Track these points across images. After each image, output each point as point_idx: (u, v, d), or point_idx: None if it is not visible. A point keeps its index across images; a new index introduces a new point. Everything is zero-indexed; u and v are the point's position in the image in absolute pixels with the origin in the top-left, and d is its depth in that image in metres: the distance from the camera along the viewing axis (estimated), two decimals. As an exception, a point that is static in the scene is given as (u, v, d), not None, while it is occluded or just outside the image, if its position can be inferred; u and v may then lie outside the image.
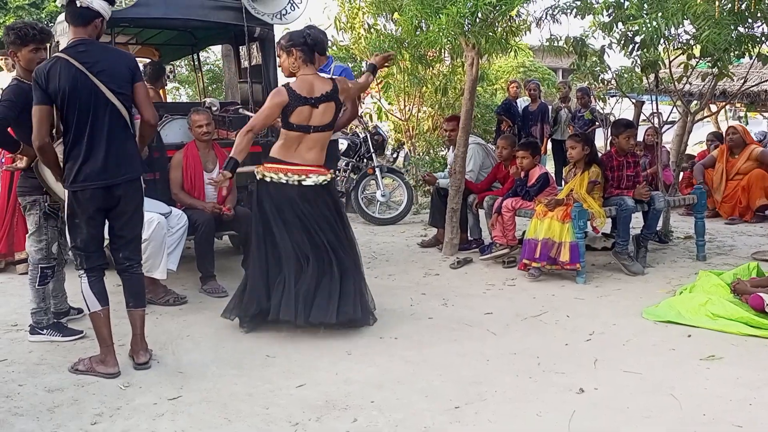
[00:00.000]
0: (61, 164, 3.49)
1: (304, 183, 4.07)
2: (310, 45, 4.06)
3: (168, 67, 7.78)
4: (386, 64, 4.69)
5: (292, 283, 3.99)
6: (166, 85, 8.25)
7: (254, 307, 4.06)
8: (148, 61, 7.19)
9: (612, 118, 7.87)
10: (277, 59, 4.19)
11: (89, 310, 3.55)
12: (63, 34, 5.27)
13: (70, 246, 3.59)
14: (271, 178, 4.06)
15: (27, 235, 4.05)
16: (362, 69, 9.97)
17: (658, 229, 6.10)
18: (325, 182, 4.14)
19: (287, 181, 4.06)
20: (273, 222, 4.08)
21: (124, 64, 3.50)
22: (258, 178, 4.12)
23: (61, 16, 5.46)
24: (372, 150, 8.36)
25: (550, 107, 9.76)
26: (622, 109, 7.86)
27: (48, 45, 5.95)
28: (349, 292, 4.07)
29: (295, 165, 4.06)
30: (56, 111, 3.41)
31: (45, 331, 4.07)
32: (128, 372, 3.57)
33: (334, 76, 4.40)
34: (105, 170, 3.42)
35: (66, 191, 3.48)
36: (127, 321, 3.68)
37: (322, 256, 4.07)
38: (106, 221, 3.58)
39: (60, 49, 3.66)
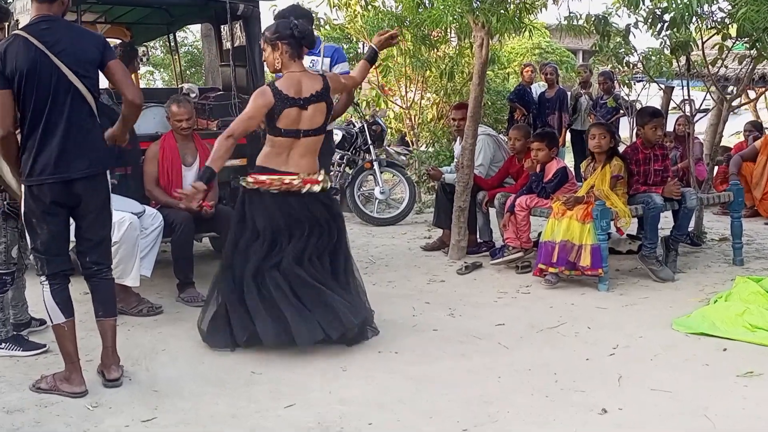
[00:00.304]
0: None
1: (302, 191, 4.08)
2: (298, 38, 4.03)
3: (141, 49, 7.76)
4: (391, 42, 4.62)
5: (284, 302, 3.98)
6: (139, 68, 8.25)
7: (244, 334, 4.02)
8: (118, 42, 7.19)
9: (638, 106, 7.87)
10: (262, 53, 4.17)
11: (52, 322, 3.55)
12: (24, 11, 5.26)
13: (30, 247, 3.58)
14: (262, 187, 4.05)
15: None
16: (358, 51, 9.99)
17: (690, 230, 6.10)
18: (321, 190, 4.16)
19: (279, 190, 4.05)
20: (262, 235, 4.06)
21: (92, 44, 3.48)
22: (246, 187, 4.09)
23: (21, -8, 5.46)
24: (370, 141, 8.36)
25: (568, 94, 9.76)
26: (649, 95, 7.85)
27: (7, 24, 5.96)
28: (344, 304, 4.08)
29: (290, 174, 4.05)
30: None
31: (3, 344, 4.06)
32: (97, 390, 3.56)
33: (324, 72, 4.38)
34: (63, 163, 3.39)
35: (23, 187, 3.47)
36: (96, 334, 3.68)
37: (314, 269, 4.09)
38: (72, 221, 3.58)
39: (18, 25, 3.65)
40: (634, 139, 6.46)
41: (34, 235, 3.50)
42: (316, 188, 4.12)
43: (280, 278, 4.01)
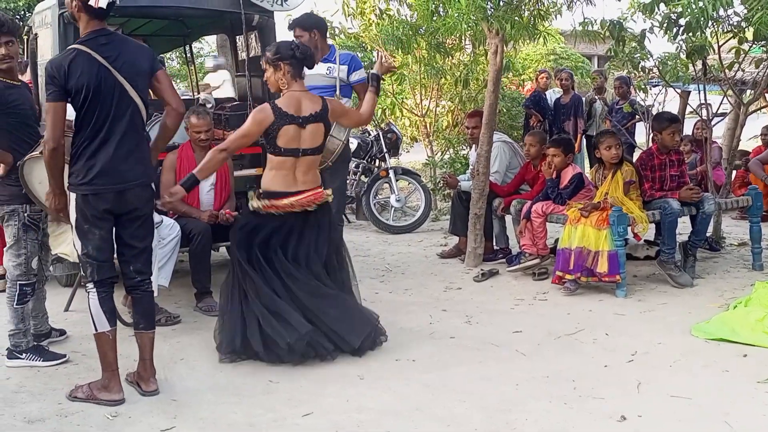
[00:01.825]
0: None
1: (309, 209, 4.15)
2: (299, 59, 4.10)
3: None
4: (391, 70, 4.84)
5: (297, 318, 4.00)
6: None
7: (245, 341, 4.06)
8: None
9: (654, 111, 7.84)
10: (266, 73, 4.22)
11: (96, 330, 3.57)
12: (43, 25, 5.33)
13: (80, 254, 3.60)
14: (270, 211, 4.11)
15: (5, 249, 4.09)
16: (372, 60, 10.00)
17: (708, 235, 6.06)
18: (324, 203, 4.23)
19: (287, 211, 4.12)
20: (262, 255, 4.11)
21: (145, 57, 3.59)
22: (254, 208, 4.14)
23: (40, 5, 5.54)
24: (385, 150, 8.38)
25: (584, 99, 9.74)
26: (665, 100, 7.82)
27: (26, 38, 6.04)
28: (351, 315, 4.13)
29: (299, 194, 4.10)
30: (72, 108, 3.47)
31: (24, 355, 4.10)
32: (116, 400, 3.59)
33: (321, 80, 4.42)
34: (119, 172, 3.49)
35: (73, 195, 3.52)
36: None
37: (315, 282, 4.13)
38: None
39: (51, 39, 3.66)
40: (650, 144, 6.43)
41: (86, 241, 3.55)
42: (322, 200, 4.20)
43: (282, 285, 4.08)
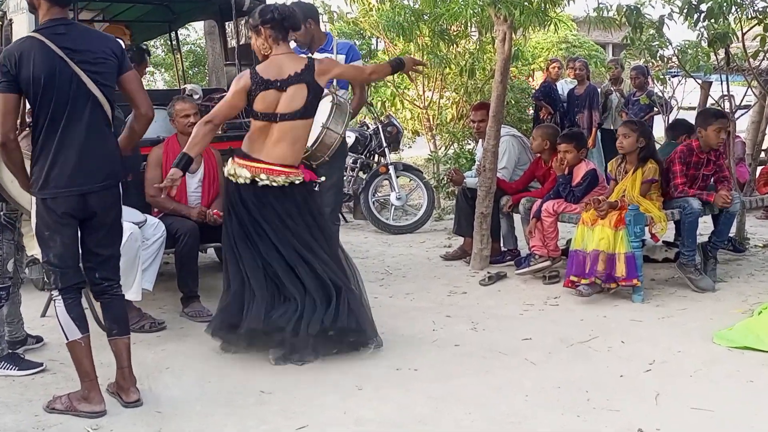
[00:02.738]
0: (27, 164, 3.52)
1: (263, 184, 4.18)
2: (278, 20, 4.18)
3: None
4: (415, 67, 4.85)
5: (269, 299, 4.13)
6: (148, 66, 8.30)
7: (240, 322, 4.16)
8: (126, 43, 7.26)
9: (674, 102, 7.83)
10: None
11: (67, 339, 3.56)
12: (17, 10, 5.34)
13: (42, 261, 3.62)
14: (234, 176, 4.23)
15: (-23, 251, 4.08)
16: (371, 47, 10.01)
17: (730, 235, 6.07)
18: (295, 183, 4.25)
19: (247, 181, 4.19)
20: (233, 228, 4.24)
21: (110, 51, 3.53)
22: (225, 175, 4.30)
23: (15, -10, 5.54)
24: (385, 144, 8.38)
25: (599, 90, 9.73)
26: (685, 91, 7.82)
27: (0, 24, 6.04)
28: (336, 305, 4.15)
29: (259, 162, 4.18)
30: (24, 102, 3.45)
31: (-2, 363, 4.10)
32: (99, 412, 3.59)
33: (318, 57, 4.45)
34: (80, 174, 3.45)
35: (33, 198, 3.52)
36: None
37: (294, 272, 4.18)
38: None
39: (26, 25, 3.66)
40: (664, 138, 6.43)
41: (46, 248, 3.54)
42: (291, 180, 4.21)
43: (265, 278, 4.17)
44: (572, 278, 5.23)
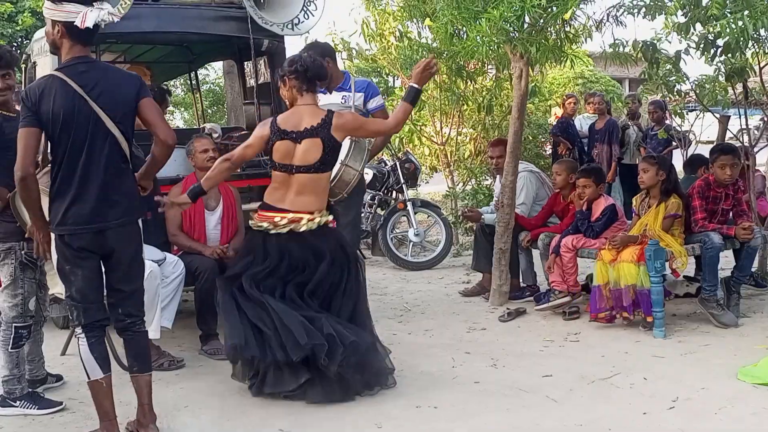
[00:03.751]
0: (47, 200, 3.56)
1: (295, 230, 4.21)
2: (302, 71, 4.24)
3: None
4: (431, 72, 4.46)
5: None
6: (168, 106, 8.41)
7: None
8: (147, 84, 7.36)
9: (692, 137, 7.82)
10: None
11: (89, 378, 3.58)
12: (41, 53, 5.44)
13: (65, 296, 3.64)
14: (260, 227, 4.27)
15: (0, 289, 4.12)
16: (388, 84, 10.07)
17: (753, 270, 6.01)
18: (320, 226, 4.26)
19: (276, 230, 4.21)
20: (251, 280, 4.21)
21: (129, 86, 3.57)
22: (252, 227, 4.34)
23: (39, 33, 5.65)
24: (402, 180, 8.41)
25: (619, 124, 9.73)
26: (703, 126, 7.82)
27: (24, 67, 6.16)
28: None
29: (283, 212, 4.22)
30: (44, 138, 3.50)
31: (18, 402, 4.11)
32: (116, 451, 3.59)
33: (336, 110, 4.47)
34: (97, 212, 3.48)
35: (53, 235, 3.56)
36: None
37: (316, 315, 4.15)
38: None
39: (50, 67, 3.73)
40: (683, 173, 6.41)
41: (68, 283, 3.57)
42: (305, 226, 4.21)
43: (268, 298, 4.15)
44: (602, 315, 5.24)
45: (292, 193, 4.23)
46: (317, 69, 4.29)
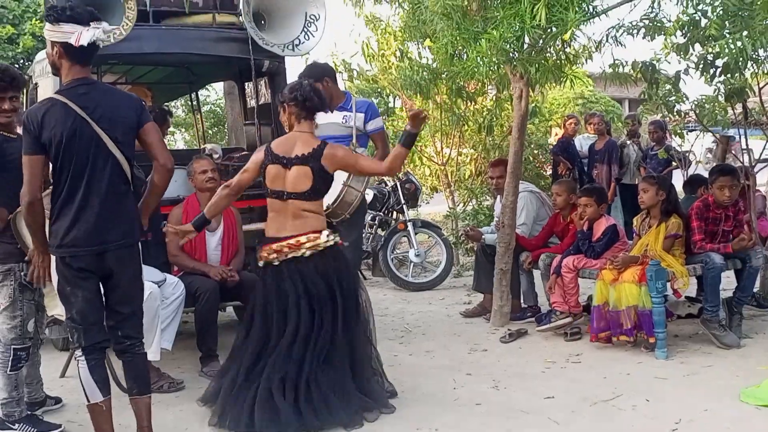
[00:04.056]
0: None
1: (300, 256, 4.19)
2: (300, 101, 4.28)
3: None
4: (421, 121, 4.45)
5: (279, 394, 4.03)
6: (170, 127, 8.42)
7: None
8: (148, 104, 7.39)
9: (692, 157, 7.83)
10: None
11: (88, 401, 3.56)
12: (43, 74, 5.46)
13: (65, 318, 3.64)
14: (266, 260, 4.26)
15: (-2, 311, 4.10)
16: (388, 105, 10.10)
17: (755, 290, 6.00)
18: (322, 248, 4.22)
19: (281, 259, 4.21)
20: (263, 315, 4.22)
21: (130, 108, 3.59)
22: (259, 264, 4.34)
23: (41, 54, 5.68)
24: (403, 201, 8.42)
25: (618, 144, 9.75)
26: (703, 145, 7.83)
27: (25, 89, 6.17)
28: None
29: (285, 240, 4.20)
30: (48, 162, 3.51)
31: (17, 425, 4.09)
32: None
33: (332, 142, 4.47)
34: (97, 233, 3.48)
35: (53, 256, 3.56)
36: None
37: (322, 347, 4.14)
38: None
39: (51, 88, 3.74)
40: (683, 193, 6.41)
41: (68, 304, 3.57)
42: (318, 243, 4.19)
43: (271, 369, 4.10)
44: (607, 334, 5.25)
45: (288, 219, 4.23)
46: (316, 100, 4.31)
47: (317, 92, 4.36)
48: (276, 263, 4.22)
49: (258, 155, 4.34)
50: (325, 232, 4.25)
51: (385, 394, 4.33)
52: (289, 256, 4.19)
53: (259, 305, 4.25)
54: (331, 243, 4.26)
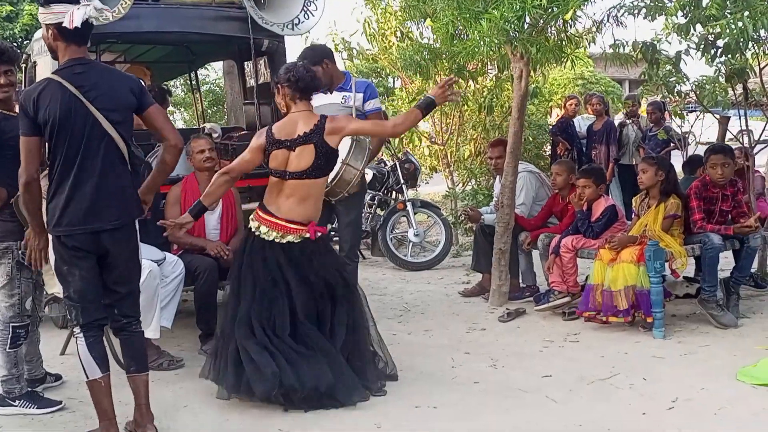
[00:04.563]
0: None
1: (278, 241, 4.21)
2: (293, 81, 4.26)
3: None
4: (448, 95, 4.43)
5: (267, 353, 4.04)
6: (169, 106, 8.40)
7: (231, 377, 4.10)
8: (147, 83, 7.35)
9: (691, 138, 7.81)
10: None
11: (87, 377, 3.58)
12: (41, 53, 5.43)
13: (63, 296, 3.64)
14: (256, 229, 4.26)
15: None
16: (387, 86, 10.06)
17: (752, 271, 6.01)
18: (303, 240, 4.23)
19: (265, 235, 4.22)
20: (244, 281, 4.22)
21: (128, 89, 3.58)
22: (251, 228, 4.31)
23: (39, 33, 5.65)
24: (402, 181, 8.41)
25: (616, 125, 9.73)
26: (703, 126, 7.81)
27: (24, 66, 6.15)
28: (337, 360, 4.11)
29: (273, 217, 4.22)
30: (45, 142, 3.50)
31: (17, 402, 4.11)
32: (114, 451, 3.58)
33: (336, 110, 4.46)
34: (92, 213, 3.48)
35: (50, 235, 3.56)
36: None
37: (305, 329, 4.15)
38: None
39: (50, 67, 3.73)
40: (682, 173, 6.41)
41: (66, 283, 3.57)
42: (291, 238, 4.20)
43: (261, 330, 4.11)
44: (588, 314, 5.25)
45: (283, 198, 4.23)
46: (309, 80, 4.29)
47: (311, 73, 4.34)
48: (263, 235, 4.23)
49: (258, 140, 4.29)
50: (312, 230, 4.24)
51: (380, 376, 4.34)
52: (270, 238, 4.20)
53: (246, 264, 4.26)
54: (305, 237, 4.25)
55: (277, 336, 4.07)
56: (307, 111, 4.30)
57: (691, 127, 8.12)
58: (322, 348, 4.10)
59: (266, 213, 4.25)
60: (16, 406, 4.10)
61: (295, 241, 4.22)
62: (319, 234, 4.29)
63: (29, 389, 4.21)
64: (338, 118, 4.37)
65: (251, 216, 4.35)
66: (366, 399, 4.10)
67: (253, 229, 4.27)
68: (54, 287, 4.37)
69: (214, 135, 6.08)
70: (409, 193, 8.61)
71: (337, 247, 5.41)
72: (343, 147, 4.68)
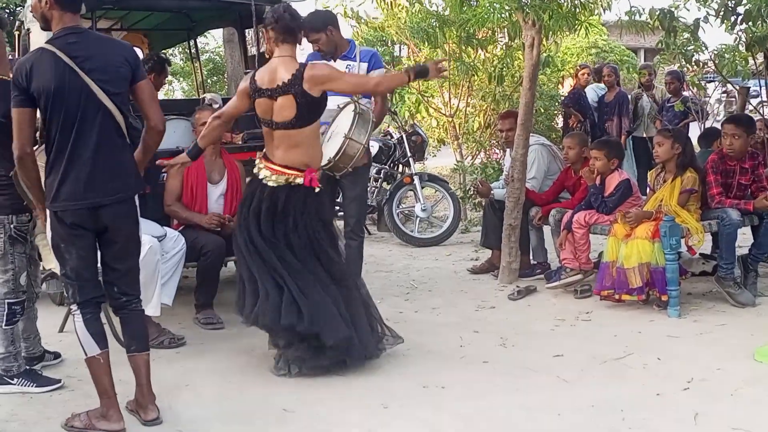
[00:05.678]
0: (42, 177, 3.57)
1: (268, 183, 4.29)
2: (273, 21, 4.28)
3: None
4: (440, 73, 4.55)
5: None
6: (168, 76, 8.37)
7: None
8: (145, 52, 7.32)
9: (710, 109, 7.77)
10: None
11: (86, 355, 3.60)
12: (34, 20, 5.40)
13: (60, 274, 3.66)
14: (258, 170, 4.37)
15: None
16: (393, 54, 10.00)
17: (771, 247, 5.99)
18: (290, 184, 4.28)
19: (261, 178, 4.32)
20: (246, 222, 4.36)
21: (123, 59, 3.56)
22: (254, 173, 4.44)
23: (32, -1, 5.63)
24: (409, 154, 8.39)
25: (629, 96, 9.69)
26: (722, 98, 7.76)
27: (17, 33, 6.13)
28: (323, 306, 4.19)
29: (271, 162, 4.31)
30: (39, 114, 3.50)
31: (15, 380, 4.13)
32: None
33: (312, 61, 4.49)
34: (90, 188, 3.48)
35: (48, 211, 3.57)
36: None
37: (296, 268, 4.25)
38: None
39: (31, 37, 3.72)
40: (698, 147, 6.39)
41: (63, 260, 3.59)
42: (287, 180, 4.26)
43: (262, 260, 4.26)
44: (604, 293, 5.24)
45: (274, 146, 4.29)
46: (288, 20, 4.27)
47: (291, 12, 4.34)
48: (260, 176, 4.33)
49: (243, 84, 4.35)
50: (308, 176, 4.28)
51: (376, 343, 4.40)
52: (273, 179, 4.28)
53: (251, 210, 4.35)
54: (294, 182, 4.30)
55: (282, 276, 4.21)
56: (288, 57, 4.28)
57: (711, 98, 8.07)
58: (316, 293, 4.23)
59: (265, 158, 4.35)
60: (14, 384, 4.12)
61: (291, 185, 4.28)
62: (311, 178, 4.31)
63: (27, 367, 4.24)
64: (318, 66, 4.37)
65: (258, 155, 4.45)
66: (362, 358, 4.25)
67: (255, 171, 4.39)
68: (51, 263, 4.38)
69: (215, 105, 6.05)
70: (417, 167, 8.59)
71: (341, 222, 5.43)
72: (346, 120, 4.67)
